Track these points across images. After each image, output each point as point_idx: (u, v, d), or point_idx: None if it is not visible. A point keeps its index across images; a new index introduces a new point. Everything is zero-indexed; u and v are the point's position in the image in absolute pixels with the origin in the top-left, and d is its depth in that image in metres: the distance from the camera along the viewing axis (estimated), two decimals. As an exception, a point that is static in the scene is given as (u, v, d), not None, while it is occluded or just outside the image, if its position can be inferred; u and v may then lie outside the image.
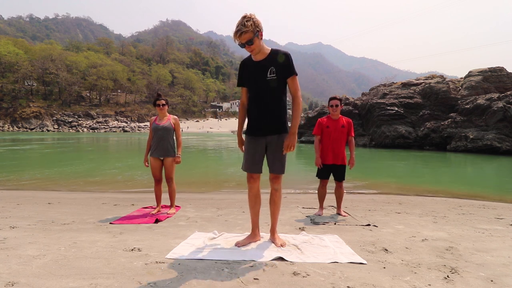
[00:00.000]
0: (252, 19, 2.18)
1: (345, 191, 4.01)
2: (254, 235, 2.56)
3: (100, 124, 62.67)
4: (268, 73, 2.31)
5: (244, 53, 2.36)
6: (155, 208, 3.96)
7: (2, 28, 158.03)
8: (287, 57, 2.31)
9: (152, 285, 1.72)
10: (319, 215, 3.80)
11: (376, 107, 22.74)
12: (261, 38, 2.28)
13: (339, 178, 3.82)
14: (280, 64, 2.30)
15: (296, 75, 2.34)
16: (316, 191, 3.97)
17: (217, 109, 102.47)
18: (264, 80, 2.32)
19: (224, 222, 3.40)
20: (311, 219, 3.55)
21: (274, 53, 2.33)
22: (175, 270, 1.94)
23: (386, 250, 2.43)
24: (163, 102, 3.89)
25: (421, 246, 2.57)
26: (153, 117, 4.01)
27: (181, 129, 4.09)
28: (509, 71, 22.44)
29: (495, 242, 2.74)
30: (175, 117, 4.03)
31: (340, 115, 3.83)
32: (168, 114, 3.99)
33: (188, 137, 36.59)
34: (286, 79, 2.34)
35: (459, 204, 4.96)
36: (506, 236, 2.97)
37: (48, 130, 55.42)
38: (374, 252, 2.38)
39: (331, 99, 3.86)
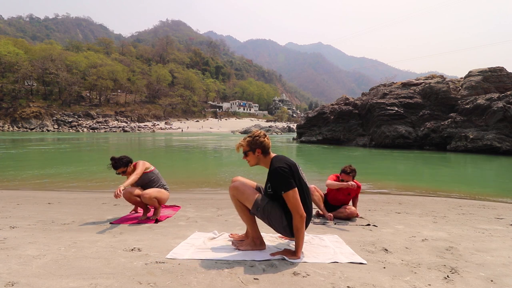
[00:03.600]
0: (252, 137, 2.30)
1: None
2: (245, 236, 2.56)
3: (100, 124, 62.64)
4: (267, 188, 2.31)
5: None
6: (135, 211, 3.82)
7: (2, 28, 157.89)
8: (270, 174, 2.24)
9: (152, 285, 1.72)
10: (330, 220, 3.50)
11: (376, 107, 22.74)
12: (258, 155, 2.29)
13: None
14: (270, 180, 2.25)
15: (287, 191, 2.12)
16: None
17: (217, 109, 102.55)
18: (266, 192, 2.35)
19: (224, 222, 3.40)
20: (311, 219, 3.53)
21: (270, 168, 2.27)
22: (175, 270, 1.94)
23: (386, 250, 2.44)
24: (121, 171, 3.42)
25: (421, 246, 2.57)
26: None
27: (147, 168, 3.53)
28: (509, 71, 22.41)
29: (495, 242, 2.75)
30: (133, 167, 3.49)
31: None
32: (130, 171, 3.47)
33: (196, 137, 36.58)
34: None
35: (459, 204, 4.96)
36: (506, 236, 2.97)
37: (48, 130, 55.36)
38: (374, 252, 2.38)
39: (347, 173, 3.50)
